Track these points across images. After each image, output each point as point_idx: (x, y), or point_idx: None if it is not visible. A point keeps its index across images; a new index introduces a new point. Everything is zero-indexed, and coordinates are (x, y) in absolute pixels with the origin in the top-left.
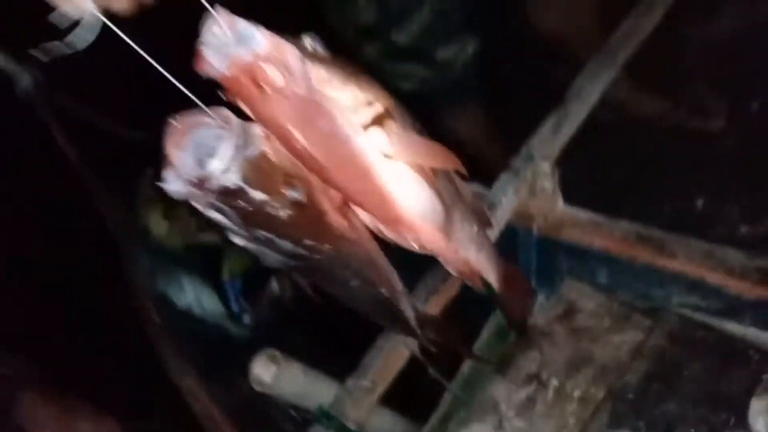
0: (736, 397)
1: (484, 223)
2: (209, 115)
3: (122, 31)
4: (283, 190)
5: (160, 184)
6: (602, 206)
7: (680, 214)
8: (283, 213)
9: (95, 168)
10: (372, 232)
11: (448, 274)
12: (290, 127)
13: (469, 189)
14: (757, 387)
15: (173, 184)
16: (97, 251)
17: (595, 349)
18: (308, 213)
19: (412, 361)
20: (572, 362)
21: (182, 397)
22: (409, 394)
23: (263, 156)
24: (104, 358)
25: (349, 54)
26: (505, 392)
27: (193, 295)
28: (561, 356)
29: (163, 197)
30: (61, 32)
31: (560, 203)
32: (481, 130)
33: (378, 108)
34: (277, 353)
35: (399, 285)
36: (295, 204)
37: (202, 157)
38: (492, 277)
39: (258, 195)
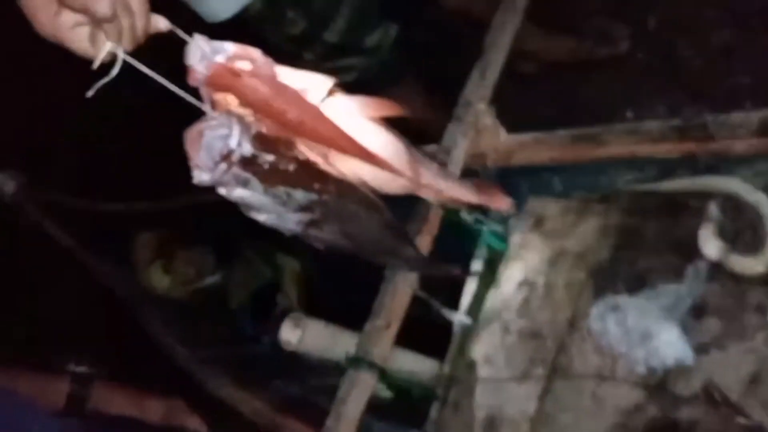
0: (688, 238)
1: (440, 162)
2: (213, 118)
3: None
4: (285, 152)
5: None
6: None
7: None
8: (291, 167)
9: (91, 247)
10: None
11: (426, 217)
12: (267, 99)
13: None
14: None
15: (202, 176)
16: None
17: (566, 243)
18: (309, 164)
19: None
20: (551, 259)
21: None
22: (425, 339)
23: (260, 131)
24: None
25: (293, 62)
26: (502, 303)
27: (210, 330)
28: (541, 258)
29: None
30: None
31: (504, 134)
32: (419, 99)
33: (327, 86)
34: (300, 315)
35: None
36: (298, 159)
37: (218, 150)
38: (467, 195)
39: (269, 157)
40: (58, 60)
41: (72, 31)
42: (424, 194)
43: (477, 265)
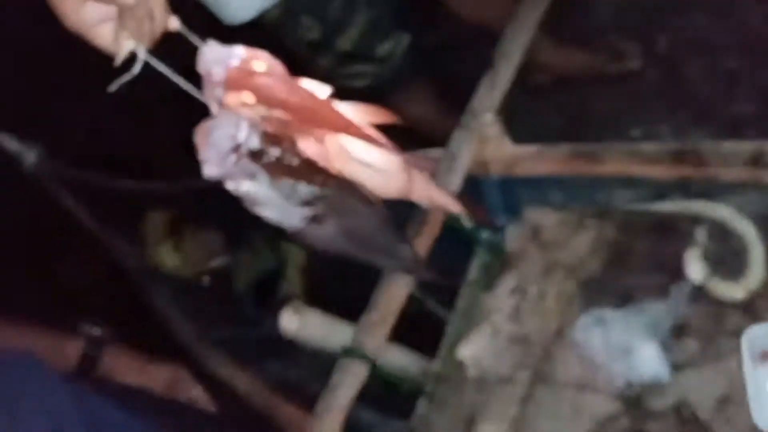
0: (675, 259)
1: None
2: (222, 116)
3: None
4: (288, 148)
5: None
6: None
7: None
8: (295, 161)
9: (105, 222)
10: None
11: (425, 221)
12: (283, 94)
13: None
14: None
15: (211, 170)
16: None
17: (560, 255)
18: (311, 161)
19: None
20: (544, 269)
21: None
22: (418, 338)
23: (265, 131)
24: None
25: (306, 67)
26: (495, 308)
27: (214, 311)
28: (535, 267)
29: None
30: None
31: (508, 144)
32: (429, 107)
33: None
34: (299, 303)
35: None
36: (299, 155)
37: (226, 144)
38: (451, 205)
39: (275, 151)
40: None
41: (95, 28)
42: (417, 200)
43: (473, 270)
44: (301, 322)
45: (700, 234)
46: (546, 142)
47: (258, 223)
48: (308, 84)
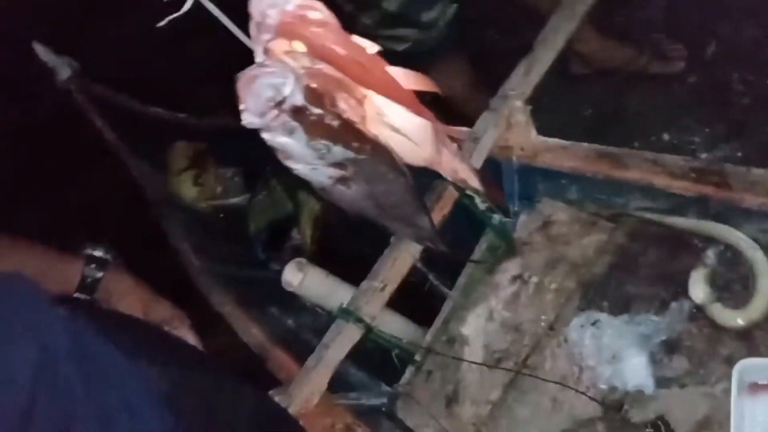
0: (682, 276)
1: (456, 141)
2: (268, 65)
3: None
4: (330, 108)
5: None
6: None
7: (648, 149)
8: (335, 123)
9: (130, 144)
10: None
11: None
12: (333, 45)
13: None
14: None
15: (251, 119)
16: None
17: (567, 251)
18: (349, 122)
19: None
20: (549, 263)
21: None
22: (416, 306)
23: (309, 86)
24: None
25: (349, 24)
26: (494, 291)
27: (225, 248)
28: (540, 259)
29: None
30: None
31: (534, 133)
32: (465, 79)
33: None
34: (304, 261)
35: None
36: (341, 117)
37: (268, 96)
38: (475, 181)
39: (317, 110)
40: None
41: None
42: (442, 170)
43: (479, 251)
44: (302, 279)
45: (711, 255)
46: (575, 131)
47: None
48: (358, 40)
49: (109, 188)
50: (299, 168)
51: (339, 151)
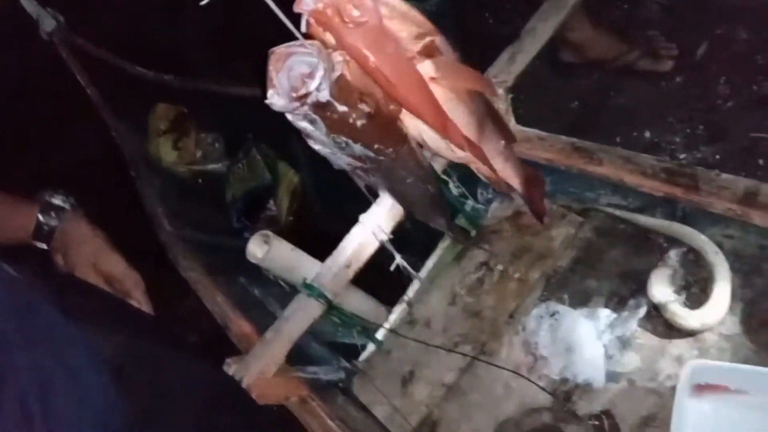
0: (643, 274)
1: (510, 139)
2: (304, 45)
3: None
4: (359, 105)
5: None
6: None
7: (629, 145)
8: (359, 122)
9: (111, 103)
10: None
11: None
12: (365, 50)
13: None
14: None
15: (275, 100)
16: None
17: (534, 242)
18: (378, 123)
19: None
20: (515, 252)
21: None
22: (381, 285)
23: (343, 77)
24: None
25: None
26: (459, 276)
27: (200, 214)
28: (506, 248)
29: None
30: None
31: (513, 122)
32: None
33: (427, 40)
34: (270, 234)
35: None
36: (369, 115)
37: (299, 78)
38: (515, 182)
39: (342, 107)
40: None
41: None
42: (477, 169)
43: (448, 236)
44: (267, 252)
45: (673, 256)
46: (559, 123)
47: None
48: (413, 25)
49: (96, 147)
50: (318, 148)
51: (359, 149)
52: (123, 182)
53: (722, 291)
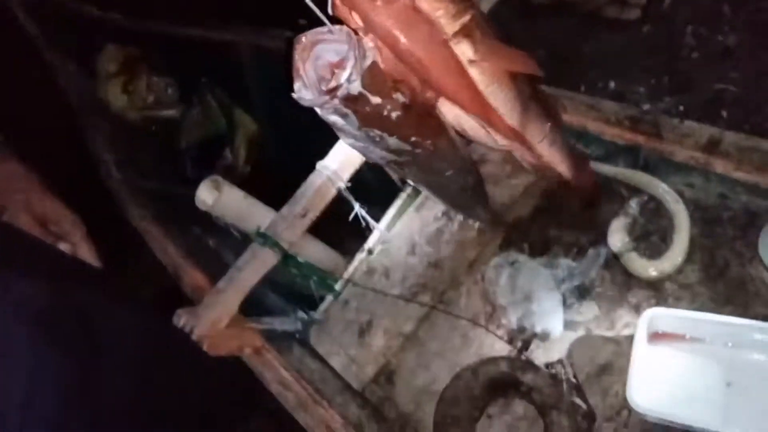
0: (603, 223)
1: (558, 121)
2: (332, 31)
3: None
4: (394, 95)
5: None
6: None
7: (594, 93)
8: (394, 114)
9: (57, 43)
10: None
11: None
12: (396, 32)
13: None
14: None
15: (303, 94)
16: (59, 120)
17: (495, 191)
18: (414, 114)
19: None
20: None
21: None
22: (340, 236)
23: (375, 65)
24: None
25: None
26: (419, 227)
27: (152, 161)
28: None
29: (123, 72)
30: None
31: None
32: None
33: (465, 19)
34: (220, 179)
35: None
36: (404, 106)
37: (327, 67)
38: (562, 167)
39: (375, 99)
40: None
41: None
42: (519, 155)
43: (408, 186)
44: (217, 198)
45: (633, 205)
46: None
47: (216, 82)
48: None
49: (33, 95)
50: (350, 142)
51: (394, 142)
52: (67, 127)
53: (681, 240)
